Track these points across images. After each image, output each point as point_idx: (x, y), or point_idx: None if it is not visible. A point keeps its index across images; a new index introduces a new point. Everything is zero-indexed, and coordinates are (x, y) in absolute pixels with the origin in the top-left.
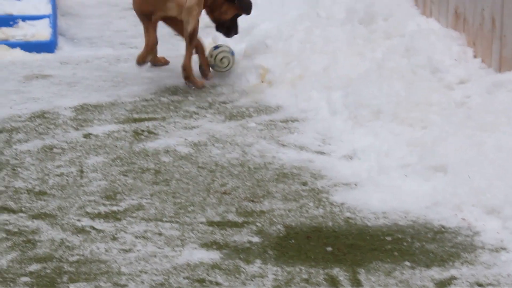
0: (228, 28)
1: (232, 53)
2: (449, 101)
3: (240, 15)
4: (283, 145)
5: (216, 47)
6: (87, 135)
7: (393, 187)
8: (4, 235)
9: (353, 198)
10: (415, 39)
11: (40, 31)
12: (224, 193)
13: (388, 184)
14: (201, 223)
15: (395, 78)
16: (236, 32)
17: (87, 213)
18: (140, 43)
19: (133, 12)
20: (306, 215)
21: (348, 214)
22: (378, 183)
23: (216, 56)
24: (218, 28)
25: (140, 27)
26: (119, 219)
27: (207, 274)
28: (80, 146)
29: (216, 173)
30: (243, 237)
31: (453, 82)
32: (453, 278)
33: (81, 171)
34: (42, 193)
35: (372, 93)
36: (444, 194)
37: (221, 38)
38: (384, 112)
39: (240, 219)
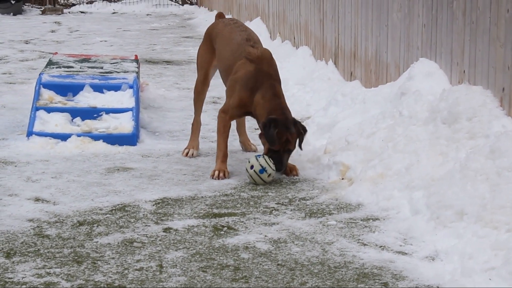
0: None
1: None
2: None
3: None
4: (364, 244)
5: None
6: (167, 230)
7: None
8: None
9: None
10: (500, 140)
11: (123, 124)
12: None
13: None
14: None
15: (479, 180)
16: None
17: None
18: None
19: (215, 106)
20: None
21: None
22: (461, 286)
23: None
24: None
25: None
26: None
27: None
28: (160, 240)
29: (296, 271)
30: None
31: None
32: None
33: (161, 266)
34: (121, 287)
35: (456, 194)
36: None
37: None
38: (468, 214)
39: None
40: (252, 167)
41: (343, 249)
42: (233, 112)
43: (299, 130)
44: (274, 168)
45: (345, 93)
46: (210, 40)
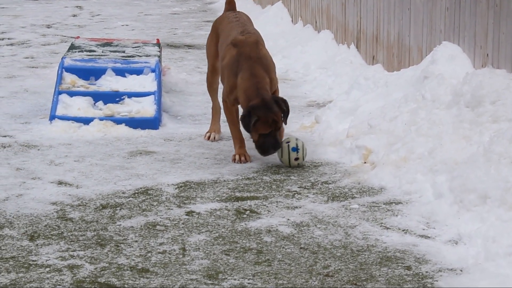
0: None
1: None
2: None
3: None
4: (387, 228)
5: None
6: (189, 213)
7: (500, 275)
8: None
9: (459, 285)
10: None
11: (145, 108)
12: (327, 275)
13: (495, 272)
14: None
15: (503, 163)
16: (273, 149)
17: None
18: None
19: None
20: None
21: None
22: (485, 270)
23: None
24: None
25: None
26: None
27: None
28: (183, 223)
29: (319, 254)
30: None
31: None
32: None
33: (184, 249)
34: (144, 270)
35: (479, 177)
36: None
37: (323, 118)
38: (491, 197)
39: None
40: (288, 141)
41: (366, 232)
42: (229, 98)
43: (282, 108)
44: (305, 156)
45: (368, 76)
46: (216, 33)
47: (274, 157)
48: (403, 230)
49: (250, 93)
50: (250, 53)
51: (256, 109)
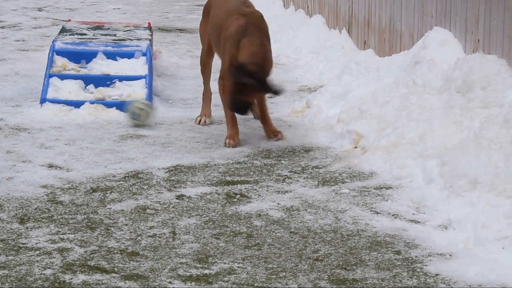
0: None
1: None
2: None
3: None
4: (377, 213)
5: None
6: (180, 197)
7: (490, 260)
8: None
9: (448, 270)
10: None
11: (136, 92)
12: (317, 259)
13: (484, 257)
14: None
15: (493, 149)
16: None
17: (179, 275)
18: None
19: None
20: (399, 285)
21: (442, 286)
22: (474, 255)
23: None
24: None
25: None
26: (211, 283)
27: None
28: (173, 207)
29: (309, 239)
30: None
31: None
32: None
33: (174, 233)
34: (134, 253)
35: (469, 163)
36: None
37: (314, 103)
38: (481, 183)
39: (332, 287)
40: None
41: (355, 217)
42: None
43: (275, 87)
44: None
45: (359, 61)
46: (208, 13)
47: (266, 142)
48: (393, 215)
49: (256, 57)
50: (259, 25)
51: (250, 65)
